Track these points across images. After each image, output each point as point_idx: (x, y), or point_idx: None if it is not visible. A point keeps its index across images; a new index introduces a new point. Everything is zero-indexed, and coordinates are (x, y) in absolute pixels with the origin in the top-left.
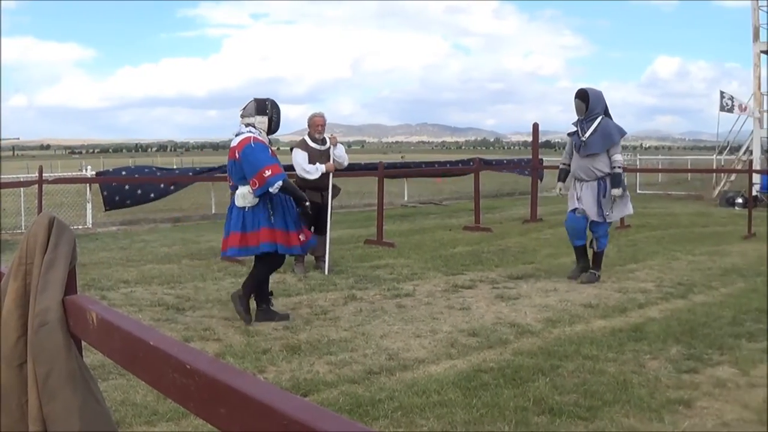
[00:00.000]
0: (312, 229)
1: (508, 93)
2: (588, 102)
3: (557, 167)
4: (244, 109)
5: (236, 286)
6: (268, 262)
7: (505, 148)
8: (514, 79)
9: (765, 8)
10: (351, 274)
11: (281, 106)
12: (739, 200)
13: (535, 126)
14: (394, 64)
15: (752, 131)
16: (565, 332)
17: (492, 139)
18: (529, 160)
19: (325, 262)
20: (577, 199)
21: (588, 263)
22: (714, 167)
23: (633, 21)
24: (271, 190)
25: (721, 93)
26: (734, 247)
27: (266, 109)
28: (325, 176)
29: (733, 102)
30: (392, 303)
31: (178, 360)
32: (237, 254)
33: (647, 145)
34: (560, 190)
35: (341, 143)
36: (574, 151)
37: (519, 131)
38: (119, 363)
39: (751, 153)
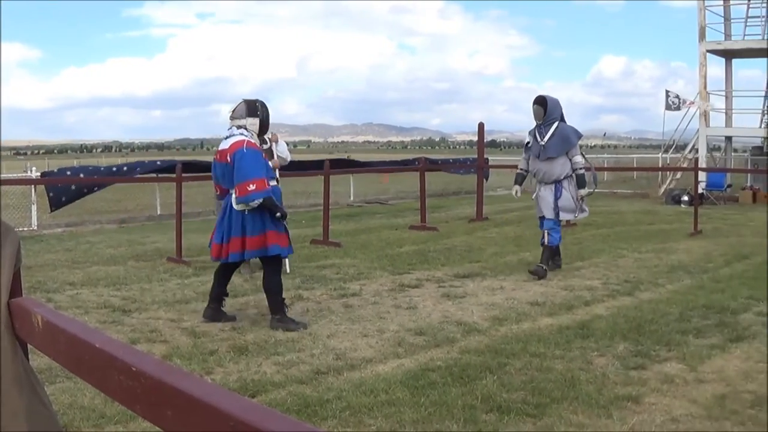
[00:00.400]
0: None
1: (453, 93)
2: (546, 107)
3: (503, 167)
4: (234, 110)
5: (182, 288)
6: (275, 265)
7: (451, 147)
8: (459, 79)
9: (711, 8)
10: (297, 274)
11: (225, 107)
12: (685, 198)
13: (481, 125)
14: (339, 64)
15: (698, 130)
16: (512, 330)
17: (437, 139)
18: (474, 159)
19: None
20: (541, 201)
21: (560, 261)
22: (660, 165)
23: (578, 21)
24: (249, 204)
25: (667, 92)
26: (680, 245)
27: (257, 110)
28: None
29: (679, 101)
30: (339, 303)
31: (123, 362)
32: (238, 258)
33: (593, 144)
34: (516, 192)
35: (284, 141)
36: (533, 157)
37: (464, 131)
38: (65, 366)
39: (697, 151)
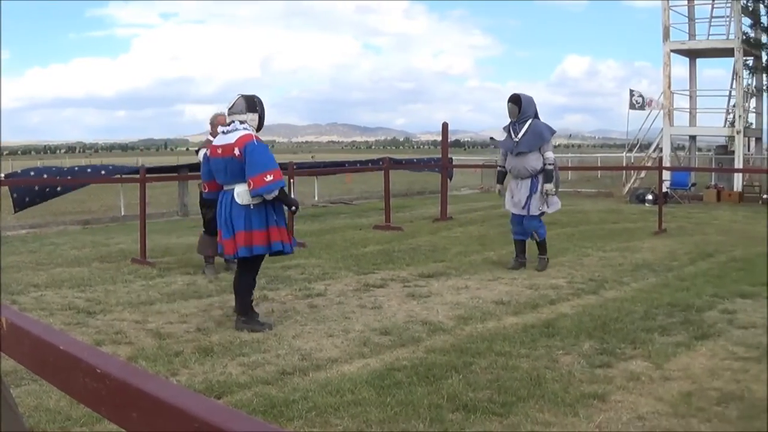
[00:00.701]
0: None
1: (418, 92)
2: (521, 105)
3: (467, 166)
4: (232, 105)
5: (147, 289)
6: (255, 263)
7: (415, 147)
8: (424, 79)
9: (675, 8)
10: (262, 274)
11: (189, 107)
12: (649, 197)
13: (445, 125)
14: (303, 64)
15: (662, 129)
16: (477, 329)
17: (402, 139)
18: (438, 159)
19: (234, 262)
20: (511, 198)
21: (524, 258)
22: (624, 165)
23: (542, 21)
24: (266, 195)
25: (631, 91)
26: (645, 243)
27: (256, 105)
28: None
29: (643, 100)
30: (304, 303)
31: (88, 364)
32: (246, 254)
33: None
34: (499, 191)
35: None
36: (508, 153)
37: (429, 130)
38: (30, 368)
39: (661, 150)
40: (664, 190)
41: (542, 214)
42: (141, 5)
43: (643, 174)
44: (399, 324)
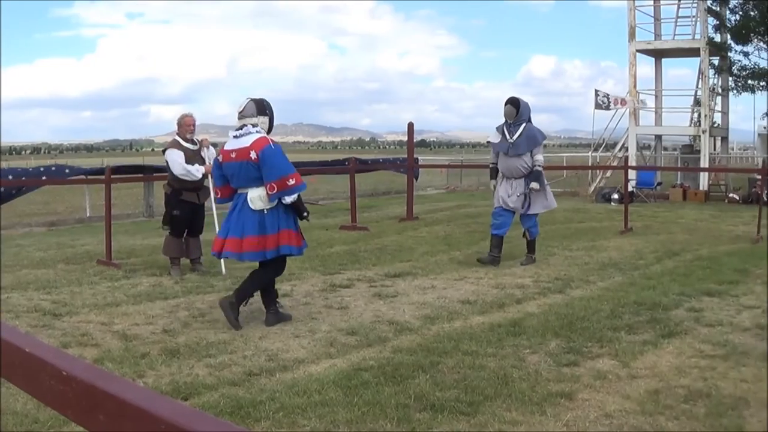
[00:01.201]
0: (186, 232)
1: (383, 93)
2: (519, 108)
3: (433, 166)
4: (243, 109)
5: (113, 291)
6: (278, 265)
7: (381, 147)
8: (389, 79)
9: (641, 8)
10: (228, 275)
11: (154, 107)
12: (615, 196)
13: (410, 125)
14: (269, 64)
15: (627, 128)
16: (443, 329)
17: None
18: (404, 159)
19: (201, 264)
20: (508, 196)
21: (500, 253)
22: (590, 164)
23: (508, 20)
24: (287, 199)
25: (596, 91)
26: (611, 242)
27: (266, 109)
28: (201, 176)
29: (609, 99)
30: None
31: (54, 367)
32: (253, 258)
33: None
34: (494, 186)
35: (213, 145)
36: (501, 153)
37: (394, 130)
38: None
39: (627, 150)
40: (630, 189)
41: (536, 214)
42: (107, 5)
43: (608, 173)
44: (365, 324)
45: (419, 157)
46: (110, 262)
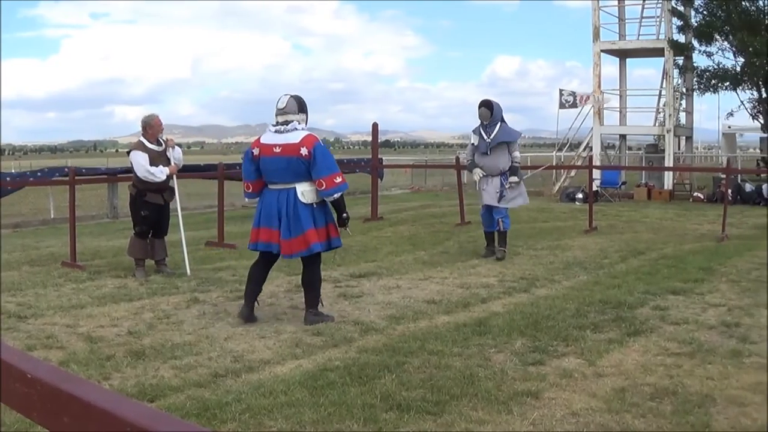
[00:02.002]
0: (151, 233)
1: (348, 93)
2: (492, 110)
3: (397, 166)
4: (285, 105)
5: (77, 293)
6: (319, 258)
7: (345, 147)
8: (354, 79)
9: (606, 8)
10: (193, 276)
11: (119, 108)
12: (580, 195)
13: (375, 126)
14: (234, 65)
15: (591, 128)
16: (409, 329)
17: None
18: (368, 159)
19: (166, 265)
20: (484, 191)
21: (495, 246)
22: (554, 164)
23: (473, 21)
24: (335, 196)
25: (561, 91)
26: (575, 242)
27: (305, 106)
28: (166, 177)
29: (574, 98)
30: (235, 305)
31: (19, 369)
32: (321, 249)
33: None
34: (478, 174)
35: (178, 145)
36: (479, 153)
37: (359, 131)
38: None
39: (591, 149)
40: (595, 188)
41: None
42: (71, 5)
43: (573, 173)
44: (331, 324)
45: (384, 158)
46: (75, 264)
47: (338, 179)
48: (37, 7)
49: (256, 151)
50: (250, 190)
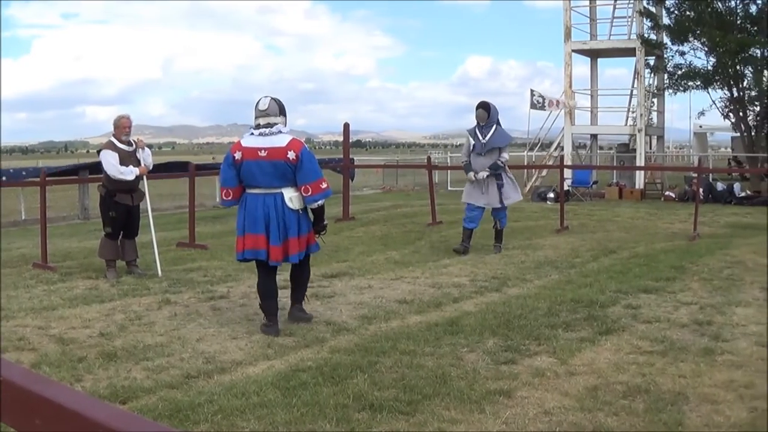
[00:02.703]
0: (122, 234)
1: (319, 93)
2: (490, 112)
3: (369, 166)
4: (267, 107)
5: (49, 294)
6: (309, 258)
7: (317, 147)
8: (325, 79)
9: (577, 9)
10: (164, 277)
11: (90, 108)
12: (551, 195)
13: (346, 126)
14: (205, 65)
15: (563, 128)
16: (381, 329)
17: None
18: (340, 159)
19: (137, 266)
20: (481, 193)
21: (469, 244)
22: (525, 163)
23: (444, 21)
24: (319, 203)
25: (532, 91)
26: (547, 241)
27: (284, 109)
28: (136, 178)
29: (543, 100)
30: (207, 306)
31: None
32: (300, 258)
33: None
34: (474, 175)
35: (148, 146)
36: (474, 154)
37: (330, 131)
38: None
39: (563, 149)
40: (566, 188)
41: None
42: (42, 5)
43: (544, 172)
44: (303, 325)
45: (355, 158)
46: (46, 266)
47: (324, 185)
48: (8, 7)
49: (238, 156)
50: (229, 198)
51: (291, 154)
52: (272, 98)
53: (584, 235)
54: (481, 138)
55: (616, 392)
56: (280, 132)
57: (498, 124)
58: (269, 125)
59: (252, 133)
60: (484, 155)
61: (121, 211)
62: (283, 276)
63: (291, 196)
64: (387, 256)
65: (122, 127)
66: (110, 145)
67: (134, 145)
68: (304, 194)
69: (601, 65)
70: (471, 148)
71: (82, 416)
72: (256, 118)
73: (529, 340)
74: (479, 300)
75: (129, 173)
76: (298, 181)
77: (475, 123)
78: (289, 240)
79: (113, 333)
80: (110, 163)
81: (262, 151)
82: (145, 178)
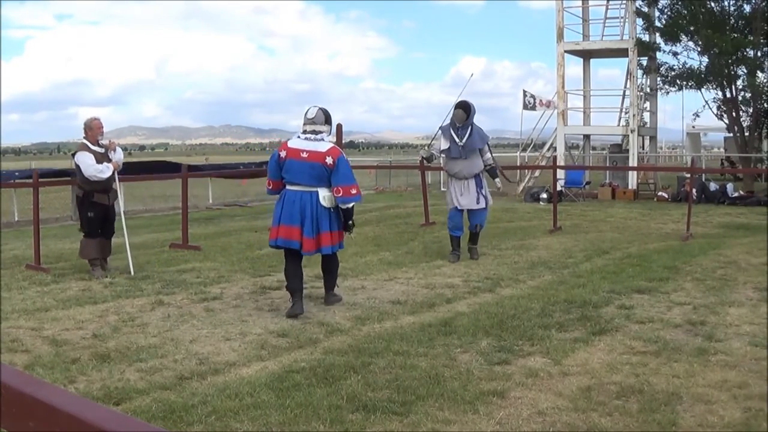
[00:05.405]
0: (100, 231)
1: (313, 94)
2: (469, 113)
3: (362, 167)
4: (315, 116)
5: (42, 296)
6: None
7: None
8: (319, 80)
9: (570, 9)
10: (157, 279)
11: (82, 110)
12: (544, 195)
13: (339, 126)
14: (198, 66)
15: (556, 128)
16: (374, 329)
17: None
18: None
19: (106, 263)
20: (460, 195)
21: (459, 249)
22: (518, 164)
23: (438, 22)
24: (349, 205)
25: (524, 92)
26: (540, 241)
27: (330, 119)
28: (110, 177)
29: (535, 100)
30: (200, 307)
31: None
32: (331, 251)
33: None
34: (429, 152)
35: (123, 148)
36: (450, 158)
37: None
38: None
39: (555, 149)
40: (559, 188)
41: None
42: (35, 6)
43: (537, 173)
44: (296, 326)
45: (348, 159)
46: (39, 267)
47: (354, 191)
48: (2, 8)
49: (283, 154)
50: (271, 188)
51: (329, 159)
52: (320, 108)
53: (577, 235)
54: (458, 140)
55: (609, 392)
56: (323, 140)
57: (473, 123)
58: (315, 132)
59: (299, 137)
60: (465, 158)
61: (98, 211)
62: (261, 283)
63: (325, 195)
64: (380, 256)
65: (96, 128)
66: (84, 147)
67: (105, 148)
68: (335, 195)
69: (593, 66)
70: (445, 149)
71: (76, 418)
72: (304, 125)
73: (523, 341)
74: (472, 300)
75: (106, 169)
76: (332, 183)
77: (449, 122)
78: (322, 234)
79: (106, 334)
80: (87, 163)
81: (304, 153)
82: (117, 179)
